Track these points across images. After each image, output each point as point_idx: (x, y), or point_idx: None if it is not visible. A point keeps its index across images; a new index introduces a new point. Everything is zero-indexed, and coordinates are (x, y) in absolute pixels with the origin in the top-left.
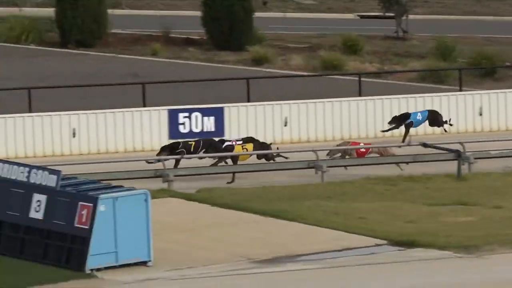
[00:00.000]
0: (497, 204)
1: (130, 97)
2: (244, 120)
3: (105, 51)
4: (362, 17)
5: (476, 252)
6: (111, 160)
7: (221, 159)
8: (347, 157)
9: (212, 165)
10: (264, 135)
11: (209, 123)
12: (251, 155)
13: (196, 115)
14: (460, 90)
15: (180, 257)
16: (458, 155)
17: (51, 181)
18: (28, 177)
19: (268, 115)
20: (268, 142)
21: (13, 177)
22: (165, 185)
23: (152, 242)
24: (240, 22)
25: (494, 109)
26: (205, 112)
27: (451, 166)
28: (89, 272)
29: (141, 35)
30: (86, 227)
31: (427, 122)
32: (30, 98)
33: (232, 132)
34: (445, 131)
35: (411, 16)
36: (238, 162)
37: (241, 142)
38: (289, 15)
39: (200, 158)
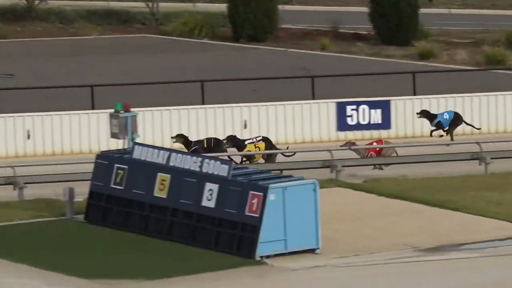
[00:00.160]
0: None
1: (299, 90)
2: (410, 113)
3: (276, 46)
4: None
5: None
6: (280, 151)
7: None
8: None
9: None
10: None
11: (376, 116)
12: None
13: (363, 107)
14: None
15: (346, 245)
16: None
17: (223, 170)
18: (200, 167)
19: (434, 109)
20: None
21: (186, 167)
22: (332, 175)
23: (320, 231)
24: (406, 18)
25: None
26: (372, 105)
27: None
28: (259, 259)
29: (310, 30)
30: (257, 215)
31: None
32: (203, 90)
33: (399, 125)
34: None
35: None
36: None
37: (260, 140)
38: (454, 11)
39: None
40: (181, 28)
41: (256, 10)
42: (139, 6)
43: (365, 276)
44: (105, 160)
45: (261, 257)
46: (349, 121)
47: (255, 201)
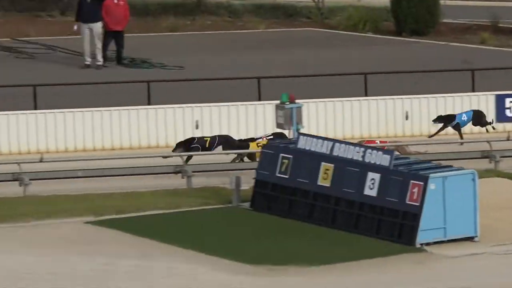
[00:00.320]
0: None
1: (458, 83)
2: None
3: (437, 40)
4: None
5: None
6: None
7: (238, 155)
8: None
9: (231, 162)
10: None
11: None
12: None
13: None
14: None
15: (504, 233)
16: None
17: (384, 160)
18: (363, 156)
19: None
20: None
21: (349, 157)
22: (491, 166)
23: (479, 219)
24: None
25: None
26: None
27: None
28: (419, 246)
29: (471, 24)
30: (417, 204)
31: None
32: (366, 82)
33: None
34: (487, 131)
35: None
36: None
37: (271, 138)
38: None
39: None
40: (346, 22)
41: (419, 5)
42: (305, 1)
43: None
44: (270, 150)
45: (421, 244)
46: (508, 113)
47: (415, 190)
